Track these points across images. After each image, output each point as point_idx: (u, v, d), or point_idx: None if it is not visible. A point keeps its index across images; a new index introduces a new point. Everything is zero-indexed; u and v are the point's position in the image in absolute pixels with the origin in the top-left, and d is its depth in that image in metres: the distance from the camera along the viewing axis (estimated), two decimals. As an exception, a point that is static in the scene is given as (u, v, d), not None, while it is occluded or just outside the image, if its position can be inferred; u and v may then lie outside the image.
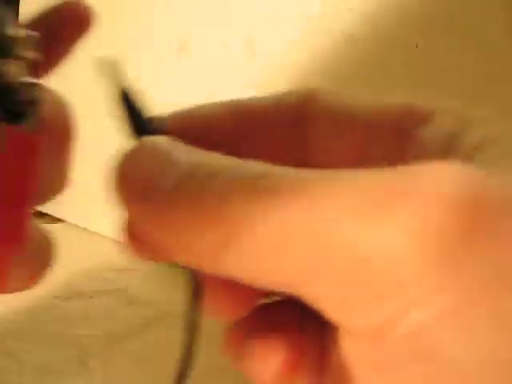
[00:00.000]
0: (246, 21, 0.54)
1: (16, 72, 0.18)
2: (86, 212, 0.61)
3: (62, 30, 0.25)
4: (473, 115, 0.17)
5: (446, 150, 0.16)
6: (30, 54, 0.18)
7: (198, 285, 0.18)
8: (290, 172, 0.15)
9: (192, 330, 0.18)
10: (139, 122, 0.19)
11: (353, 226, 0.13)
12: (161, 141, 0.18)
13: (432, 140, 0.17)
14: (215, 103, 0.22)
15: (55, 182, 0.23)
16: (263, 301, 0.19)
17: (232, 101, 0.22)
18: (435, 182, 0.13)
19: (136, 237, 0.19)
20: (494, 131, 0.16)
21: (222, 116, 0.21)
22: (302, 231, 0.13)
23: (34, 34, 0.18)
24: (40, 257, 0.22)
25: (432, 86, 0.45)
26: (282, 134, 0.21)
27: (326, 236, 0.13)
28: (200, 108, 0.22)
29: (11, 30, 0.18)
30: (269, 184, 0.14)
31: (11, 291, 0.20)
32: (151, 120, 0.20)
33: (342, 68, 0.49)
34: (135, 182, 0.17)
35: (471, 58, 0.43)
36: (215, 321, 0.19)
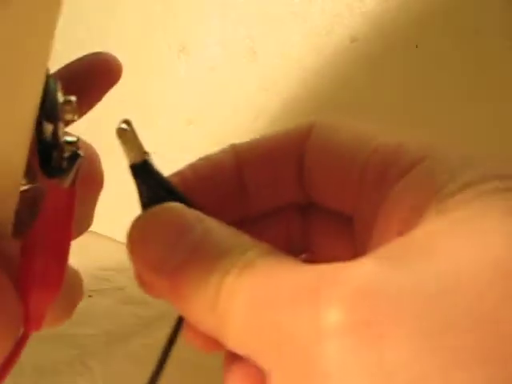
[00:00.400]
0: (246, 21, 0.54)
1: (61, 133, 0.20)
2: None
3: (94, 82, 0.25)
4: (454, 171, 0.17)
5: (414, 209, 0.17)
6: (72, 116, 0.20)
7: (180, 321, 0.21)
8: (256, 258, 0.17)
9: (162, 359, 0.20)
10: (154, 190, 0.21)
11: (285, 313, 0.15)
12: (175, 208, 0.19)
13: (403, 197, 0.18)
14: (219, 152, 0.23)
15: (84, 224, 0.25)
16: None
17: (235, 146, 0.23)
18: (339, 281, 0.15)
19: (147, 283, 0.21)
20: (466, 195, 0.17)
21: (228, 164, 0.23)
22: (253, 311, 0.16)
23: (75, 98, 0.20)
24: (71, 294, 0.23)
25: (432, 86, 0.45)
26: (287, 175, 0.22)
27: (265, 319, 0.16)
28: (205, 160, 0.23)
29: (61, 98, 0.19)
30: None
31: (44, 328, 0.21)
32: (164, 186, 0.21)
33: (341, 68, 0.49)
34: (150, 254, 0.19)
35: (471, 59, 0.43)
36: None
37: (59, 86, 0.20)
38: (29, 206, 0.21)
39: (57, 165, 0.19)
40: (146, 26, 0.61)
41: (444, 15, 0.44)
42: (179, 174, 0.23)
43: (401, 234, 0.17)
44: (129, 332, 0.45)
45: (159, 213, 0.19)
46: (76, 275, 0.23)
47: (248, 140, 0.23)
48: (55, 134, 0.19)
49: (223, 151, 0.23)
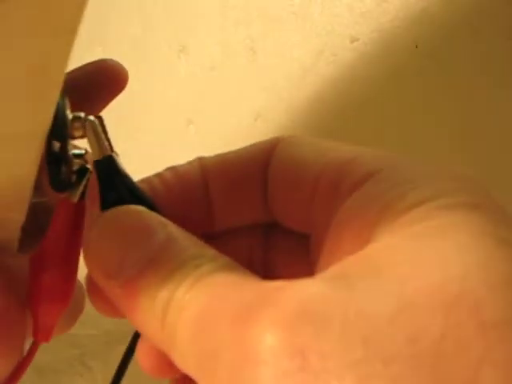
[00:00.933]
0: (246, 21, 0.54)
1: (70, 146, 0.20)
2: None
3: (100, 91, 0.25)
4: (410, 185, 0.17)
5: (367, 221, 0.17)
6: (80, 133, 0.20)
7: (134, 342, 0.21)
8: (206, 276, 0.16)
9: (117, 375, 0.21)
10: (117, 190, 0.20)
11: (224, 333, 0.15)
12: (137, 210, 0.18)
13: (354, 212, 0.17)
14: (186, 164, 0.22)
15: None
16: None
17: (202, 159, 0.22)
18: (279, 302, 0.14)
19: (98, 294, 0.19)
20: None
21: (194, 177, 0.22)
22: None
23: (83, 114, 0.20)
24: (75, 306, 0.23)
25: (432, 86, 0.45)
26: (252, 192, 0.21)
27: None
28: (173, 170, 0.22)
29: (69, 115, 0.20)
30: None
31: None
32: (131, 188, 0.20)
33: (341, 68, 0.49)
34: (105, 259, 0.17)
35: (471, 59, 0.43)
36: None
37: (67, 102, 0.19)
38: (36, 220, 0.21)
39: (66, 179, 0.20)
40: (146, 26, 0.61)
41: (444, 15, 0.44)
42: (147, 181, 0.22)
43: (351, 251, 0.16)
44: (129, 332, 0.45)
45: (120, 214, 0.18)
46: (81, 288, 0.23)
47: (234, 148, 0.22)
48: (64, 148, 0.19)
49: (190, 163, 0.22)
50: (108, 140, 0.20)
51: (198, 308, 0.15)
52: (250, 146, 0.22)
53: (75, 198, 0.20)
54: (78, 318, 0.23)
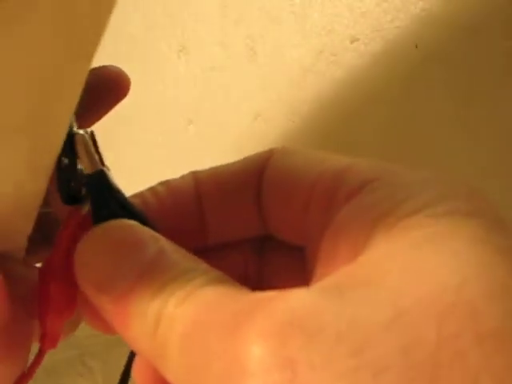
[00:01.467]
0: (246, 21, 0.54)
1: (78, 163, 0.20)
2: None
3: (103, 98, 0.24)
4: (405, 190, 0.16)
5: (362, 230, 0.16)
6: (89, 149, 0.20)
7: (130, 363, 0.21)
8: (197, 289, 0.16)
9: None
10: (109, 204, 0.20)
11: (214, 345, 0.14)
12: (129, 224, 0.18)
13: (349, 221, 0.17)
14: (179, 178, 0.22)
15: None
16: None
17: (195, 173, 0.22)
18: (270, 312, 0.14)
19: (91, 311, 0.19)
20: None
21: (187, 192, 0.21)
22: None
23: (91, 130, 0.20)
24: (78, 313, 0.23)
25: (431, 86, 0.45)
26: (246, 206, 0.21)
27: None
28: (165, 185, 0.22)
29: (76, 130, 0.20)
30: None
31: None
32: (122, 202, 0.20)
33: (341, 68, 0.49)
34: (96, 272, 0.17)
35: (471, 59, 0.43)
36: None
37: (74, 119, 0.20)
38: (40, 229, 0.21)
39: (75, 192, 0.20)
40: (146, 26, 0.61)
41: (444, 15, 0.44)
42: (139, 195, 0.21)
43: (347, 260, 0.16)
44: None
45: (111, 228, 0.18)
46: None
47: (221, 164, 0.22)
48: (72, 162, 0.19)
49: (183, 177, 0.22)
50: (99, 154, 0.20)
51: (188, 321, 0.15)
52: (244, 158, 0.22)
53: (84, 211, 0.20)
54: (78, 326, 0.23)
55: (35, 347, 0.21)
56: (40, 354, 0.21)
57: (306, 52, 0.51)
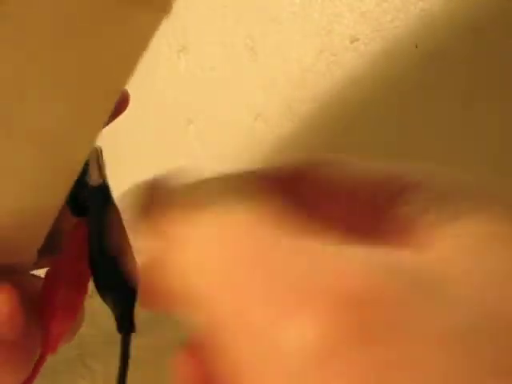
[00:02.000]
0: (246, 21, 0.54)
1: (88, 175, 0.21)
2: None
3: None
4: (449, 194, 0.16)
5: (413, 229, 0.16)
6: (100, 163, 0.21)
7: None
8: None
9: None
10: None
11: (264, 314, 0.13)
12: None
13: (394, 227, 0.17)
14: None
15: None
16: None
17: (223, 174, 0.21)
18: (334, 282, 0.13)
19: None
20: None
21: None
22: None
23: (100, 147, 0.21)
24: (79, 320, 0.24)
25: (431, 86, 0.45)
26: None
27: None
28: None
29: None
30: None
31: None
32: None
33: (342, 68, 0.49)
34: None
35: (471, 59, 0.43)
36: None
37: None
38: (47, 239, 0.22)
39: (83, 204, 0.21)
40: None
41: (444, 15, 0.44)
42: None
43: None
44: (129, 332, 0.45)
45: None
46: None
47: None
48: (82, 175, 0.20)
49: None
50: (104, 168, 0.21)
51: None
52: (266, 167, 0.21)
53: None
54: (76, 332, 0.24)
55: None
56: (41, 359, 0.21)
57: (306, 52, 0.51)
